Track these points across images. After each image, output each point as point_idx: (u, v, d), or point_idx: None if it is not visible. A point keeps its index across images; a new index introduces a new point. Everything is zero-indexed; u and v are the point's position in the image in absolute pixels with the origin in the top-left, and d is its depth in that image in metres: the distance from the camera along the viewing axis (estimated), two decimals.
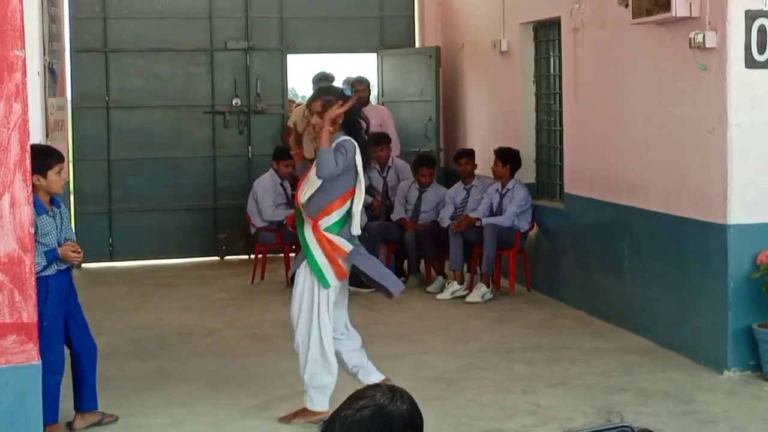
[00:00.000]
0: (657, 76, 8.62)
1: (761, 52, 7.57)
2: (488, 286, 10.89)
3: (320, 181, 6.81)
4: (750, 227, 7.72)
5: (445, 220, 11.48)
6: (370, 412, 2.60)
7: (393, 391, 2.67)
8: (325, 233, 6.88)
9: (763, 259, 7.62)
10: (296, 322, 7.07)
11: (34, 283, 4.49)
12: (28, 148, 4.46)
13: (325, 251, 6.88)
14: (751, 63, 7.60)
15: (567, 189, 10.58)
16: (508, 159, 11.15)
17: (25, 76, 4.46)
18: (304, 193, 6.91)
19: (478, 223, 11.01)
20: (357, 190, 6.93)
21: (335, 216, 6.91)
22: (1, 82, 4.38)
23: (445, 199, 11.76)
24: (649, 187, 8.86)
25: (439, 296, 11.04)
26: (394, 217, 11.96)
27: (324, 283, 6.88)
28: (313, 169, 6.87)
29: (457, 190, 11.72)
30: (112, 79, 13.48)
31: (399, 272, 11.68)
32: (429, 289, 11.42)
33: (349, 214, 6.96)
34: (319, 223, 6.88)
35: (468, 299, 10.81)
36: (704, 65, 7.83)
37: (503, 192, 11.12)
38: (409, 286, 11.13)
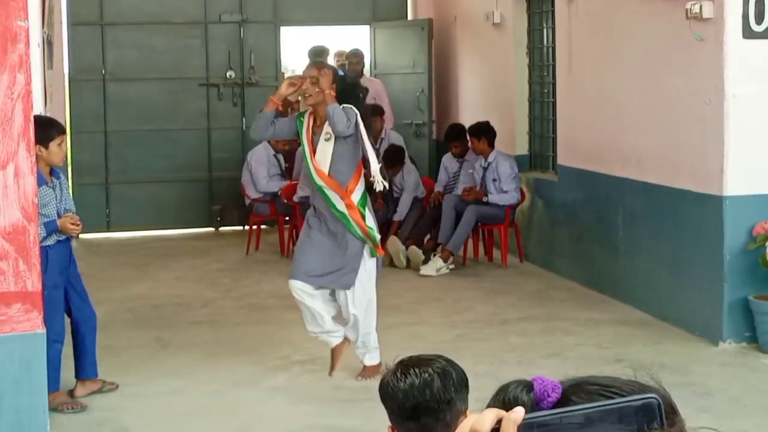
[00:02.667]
0: (652, 47, 8.63)
1: (759, 22, 7.57)
2: (445, 261, 10.79)
3: (332, 146, 7.05)
4: (746, 199, 7.75)
5: (439, 187, 11.56)
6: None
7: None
8: (359, 209, 7.14)
9: (760, 231, 7.65)
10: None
11: (38, 252, 4.50)
12: (32, 118, 4.47)
13: (360, 226, 7.14)
14: (748, 33, 7.59)
15: (560, 161, 10.61)
16: (480, 133, 11.05)
17: (29, 47, 4.46)
18: (321, 163, 7.11)
19: (485, 199, 10.91)
20: (368, 155, 7.12)
21: (359, 189, 7.17)
22: (4, 53, 4.38)
23: (440, 168, 11.79)
24: (644, 158, 8.88)
25: (423, 271, 10.85)
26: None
27: (372, 252, 7.21)
28: (322, 136, 7.08)
29: (450, 159, 11.71)
30: (108, 51, 13.47)
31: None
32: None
33: (366, 188, 7.26)
34: (352, 197, 7.12)
35: (422, 271, 10.74)
36: (701, 36, 7.84)
37: (485, 165, 11.08)
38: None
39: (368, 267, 7.22)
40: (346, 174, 7.11)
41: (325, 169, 7.08)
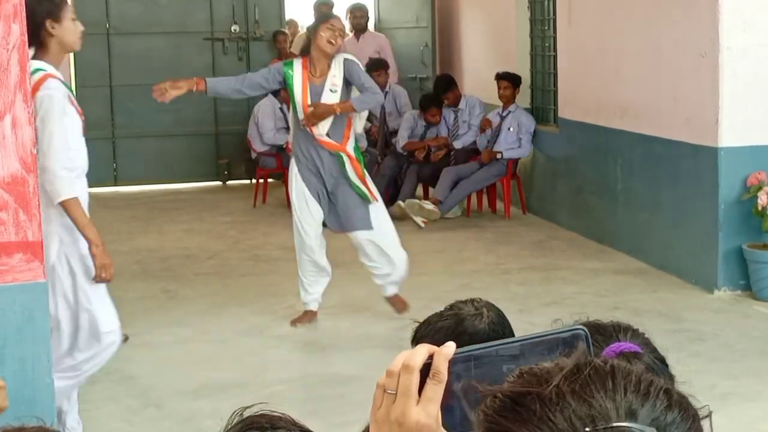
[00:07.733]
0: (650, 0, 8.68)
1: None
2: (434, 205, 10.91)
3: (338, 98, 7.11)
4: (741, 149, 7.82)
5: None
6: (447, 323, 2.75)
7: (480, 309, 2.81)
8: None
9: (754, 181, 7.73)
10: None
11: (38, 202, 4.55)
12: (28, 69, 4.50)
13: (359, 175, 7.26)
14: None
15: (561, 114, 10.68)
16: (517, 82, 11.13)
17: None
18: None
19: (499, 156, 11.02)
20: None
21: (353, 138, 7.29)
22: None
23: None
24: (641, 110, 8.95)
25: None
26: (400, 143, 11.83)
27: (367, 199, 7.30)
28: (327, 87, 7.09)
29: (448, 111, 11.75)
30: (111, 5, 13.49)
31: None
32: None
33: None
34: (347, 148, 7.21)
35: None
36: None
37: (504, 114, 11.15)
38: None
39: None
40: (343, 127, 7.22)
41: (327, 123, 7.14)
